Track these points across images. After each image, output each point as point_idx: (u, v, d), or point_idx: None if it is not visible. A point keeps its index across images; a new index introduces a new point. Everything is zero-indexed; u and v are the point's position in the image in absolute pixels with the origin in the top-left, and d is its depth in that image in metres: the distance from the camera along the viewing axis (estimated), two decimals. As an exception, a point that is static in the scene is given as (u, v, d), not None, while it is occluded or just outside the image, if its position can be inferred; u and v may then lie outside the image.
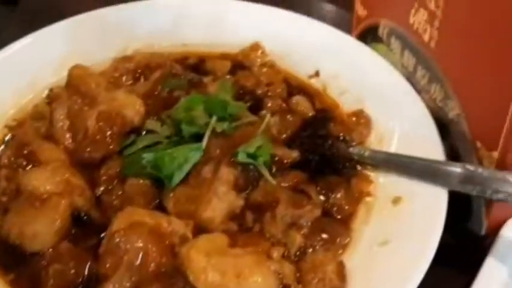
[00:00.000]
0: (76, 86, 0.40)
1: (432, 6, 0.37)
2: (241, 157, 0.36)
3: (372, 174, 0.38)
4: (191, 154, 0.36)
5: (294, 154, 0.39)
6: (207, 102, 0.38)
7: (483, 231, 0.38)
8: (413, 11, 0.39)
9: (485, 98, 0.35)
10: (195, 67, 0.45)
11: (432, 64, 0.39)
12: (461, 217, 0.39)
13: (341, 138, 0.40)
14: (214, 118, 0.38)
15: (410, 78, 0.41)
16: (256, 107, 0.42)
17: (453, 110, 0.38)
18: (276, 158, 0.38)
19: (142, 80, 0.43)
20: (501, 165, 0.35)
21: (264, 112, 0.41)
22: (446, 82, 0.38)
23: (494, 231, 0.38)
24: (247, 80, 0.43)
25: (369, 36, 0.44)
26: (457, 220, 0.39)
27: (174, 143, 0.37)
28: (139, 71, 0.44)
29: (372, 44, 0.44)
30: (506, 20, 0.31)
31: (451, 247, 0.38)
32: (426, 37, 0.38)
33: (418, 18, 0.39)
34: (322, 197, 0.37)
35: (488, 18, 0.32)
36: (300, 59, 0.44)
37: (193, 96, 0.39)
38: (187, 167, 0.35)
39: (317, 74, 0.44)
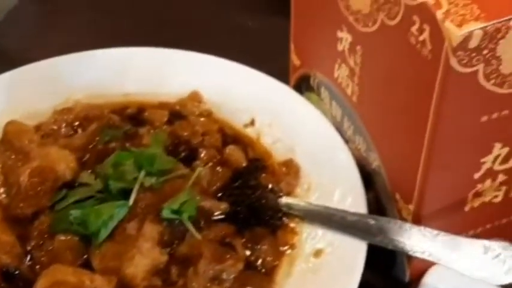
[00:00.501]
0: (10, 141, 0.40)
1: (352, 63, 0.37)
2: (166, 213, 0.36)
3: (297, 225, 0.38)
4: (117, 211, 0.36)
5: (223, 206, 0.39)
6: (137, 156, 0.39)
7: (407, 279, 0.39)
8: (336, 65, 0.40)
9: (400, 154, 0.35)
10: (133, 117, 0.45)
11: (355, 117, 0.39)
12: (387, 264, 0.40)
13: (270, 188, 0.41)
14: (142, 173, 0.38)
15: (339, 127, 0.42)
16: (190, 157, 0.42)
17: (375, 161, 0.38)
18: (205, 211, 0.39)
19: (80, 131, 0.44)
20: (416, 219, 0.35)
21: (197, 163, 0.42)
22: (367, 135, 0.38)
23: (417, 278, 0.38)
24: (184, 130, 0.43)
25: (303, 85, 0.45)
26: (383, 267, 0.40)
27: (102, 199, 0.37)
28: (77, 123, 0.44)
29: (305, 93, 0.45)
30: (416, 87, 0.31)
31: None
32: (349, 91, 0.39)
33: (341, 73, 0.39)
34: (247, 250, 0.37)
35: (400, 82, 0.33)
36: (237, 108, 0.45)
37: (121, 152, 0.39)
38: (112, 224, 0.36)
39: (252, 123, 0.44)
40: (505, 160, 0.34)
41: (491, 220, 0.38)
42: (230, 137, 0.44)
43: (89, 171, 0.40)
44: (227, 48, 0.49)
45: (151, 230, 0.35)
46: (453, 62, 0.28)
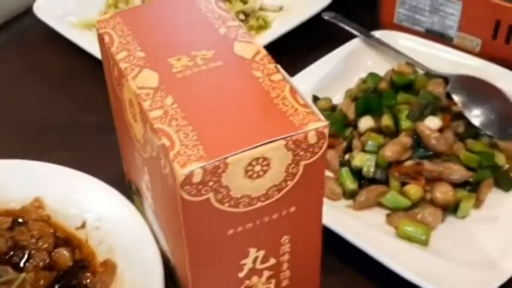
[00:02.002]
0: None
1: (146, 177, 0.42)
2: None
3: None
4: None
5: (42, 307, 0.43)
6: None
7: None
8: (140, 177, 0.44)
9: (177, 254, 0.39)
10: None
11: (156, 220, 0.44)
12: None
13: (85, 286, 0.44)
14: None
15: (151, 227, 0.46)
16: (24, 261, 0.46)
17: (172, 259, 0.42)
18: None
19: None
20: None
21: (27, 266, 0.45)
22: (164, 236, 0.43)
23: None
24: (22, 235, 0.47)
25: (131, 189, 0.49)
26: None
27: None
28: None
29: (133, 196, 0.49)
30: (173, 208, 0.36)
31: None
32: (149, 200, 0.44)
33: (144, 183, 0.44)
34: None
35: (165, 202, 0.38)
36: (72, 212, 0.49)
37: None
38: None
39: (83, 225, 0.48)
40: (264, 260, 0.39)
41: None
42: (62, 239, 0.48)
43: None
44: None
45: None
46: (183, 194, 0.33)
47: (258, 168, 0.34)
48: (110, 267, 0.44)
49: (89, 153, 0.60)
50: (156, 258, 0.43)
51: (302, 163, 0.35)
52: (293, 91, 0.37)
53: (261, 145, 0.33)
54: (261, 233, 0.37)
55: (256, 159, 0.33)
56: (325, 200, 0.54)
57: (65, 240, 0.47)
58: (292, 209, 0.37)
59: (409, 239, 0.50)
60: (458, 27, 0.67)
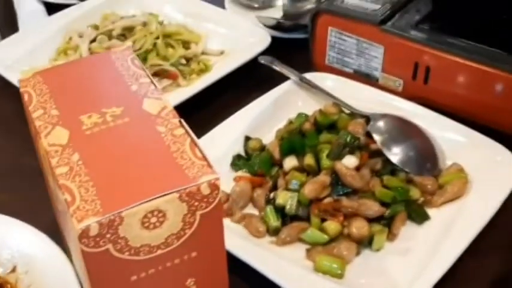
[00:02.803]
0: None
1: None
2: None
3: None
4: None
5: None
6: None
7: None
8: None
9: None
10: None
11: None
12: None
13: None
14: None
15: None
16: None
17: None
18: None
19: None
20: None
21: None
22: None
23: None
24: (-45, 281, 0.49)
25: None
26: None
27: None
28: None
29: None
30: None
31: None
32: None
33: (65, 232, 0.45)
34: None
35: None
36: (4, 258, 0.50)
37: None
38: None
39: (14, 270, 0.49)
40: (172, 302, 0.40)
41: None
42: (-4, 284, 0.49)
43: None
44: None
45: None
46: (82, 246, 0.35)
47: (154, 219, 0.36)
48: (35, 309, 0.46)
49: (29, 196, 0.61)
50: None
51: (198, 213, 0.37)
52: (193, 145, 0.39)
53: (155, 198, 0.35)
54: (165, 277, 0.39)
55: (151, 211, 0.35)
56: (250, 238, 0.57)
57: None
58: (194, 254, 0.39)
59: (326, 272, 0.52)
60: (382, 69, 0.70)
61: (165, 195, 0.35)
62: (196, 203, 0.36)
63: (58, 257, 0.48)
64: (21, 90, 0.43)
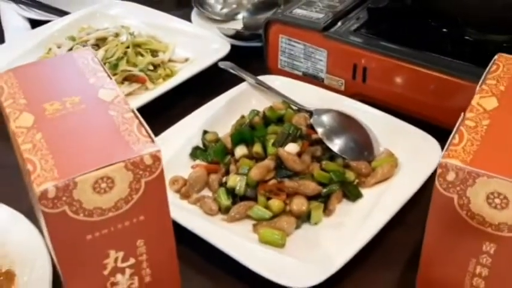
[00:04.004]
0: None
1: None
2: None
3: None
4: None
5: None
6: None
7: None
8: (32, 201, 0.50)
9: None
10: None
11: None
12: None
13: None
14: None
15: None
16: None
17: None
18: None
19: None
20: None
21: None
22: None
23: None
24: None
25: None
26: None
27: None
28: None
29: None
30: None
31: None
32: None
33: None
34: None
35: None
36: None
37: None
38: None
39: (-9, 243, 0.54)
40: (125, 260, 0.45)
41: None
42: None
43: None
44: None
45: None
46: (42, 207, 0.39)
47: (104, 185, 0.40)
48: (9, 275, 0.50)
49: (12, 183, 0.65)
50: (46, 265, 0.49)
51: (143, 180, 0.42)
52: (140, 126, 0.44)
53: (104, 167, 0.40)
54: (118, 238, 0.43)
55: (101, 178, 0.40)
56: (204, 215, 0.62)
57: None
58: (141, 217, 0.43)
59: (269, 242, 0.57)
60: (327, 70, 0.76)
61: (112, 164, 0.40)
62: (140, 172, 0.41)
63: (29, 229, 0.52)
64: (-5, 84, 0.48)
